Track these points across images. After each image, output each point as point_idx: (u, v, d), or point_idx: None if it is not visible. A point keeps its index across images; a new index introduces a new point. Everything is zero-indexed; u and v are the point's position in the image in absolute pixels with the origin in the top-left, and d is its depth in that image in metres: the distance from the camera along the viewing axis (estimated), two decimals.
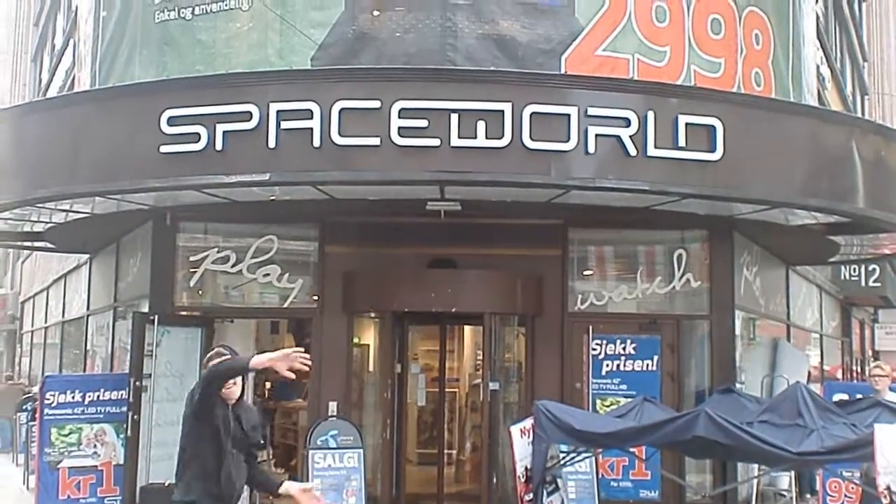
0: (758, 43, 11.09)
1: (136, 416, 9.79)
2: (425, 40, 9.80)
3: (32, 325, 24.48)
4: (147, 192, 9.07)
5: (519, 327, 10.83)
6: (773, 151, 8.91)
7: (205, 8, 10.31)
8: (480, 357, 11.28)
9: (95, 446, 10.30)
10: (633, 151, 8.32)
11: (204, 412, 5.01)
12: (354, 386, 10.86)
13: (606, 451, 9.35)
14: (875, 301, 21.57)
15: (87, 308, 15.51)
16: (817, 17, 14.48)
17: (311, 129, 8.14)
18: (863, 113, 23.20)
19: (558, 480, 7.58)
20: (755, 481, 10.64)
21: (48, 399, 10.29)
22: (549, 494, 7.28)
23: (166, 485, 9.53)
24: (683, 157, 8.49)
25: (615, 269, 11.12)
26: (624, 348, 10.60)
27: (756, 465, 9.04)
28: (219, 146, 8.25)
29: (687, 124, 8.43)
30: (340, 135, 8.13)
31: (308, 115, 8.15)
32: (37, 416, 10.75)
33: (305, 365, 4.84)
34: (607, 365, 10.59)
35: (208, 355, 5.33)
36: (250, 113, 8.20)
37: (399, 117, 8.09)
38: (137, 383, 9.83)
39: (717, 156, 8.48)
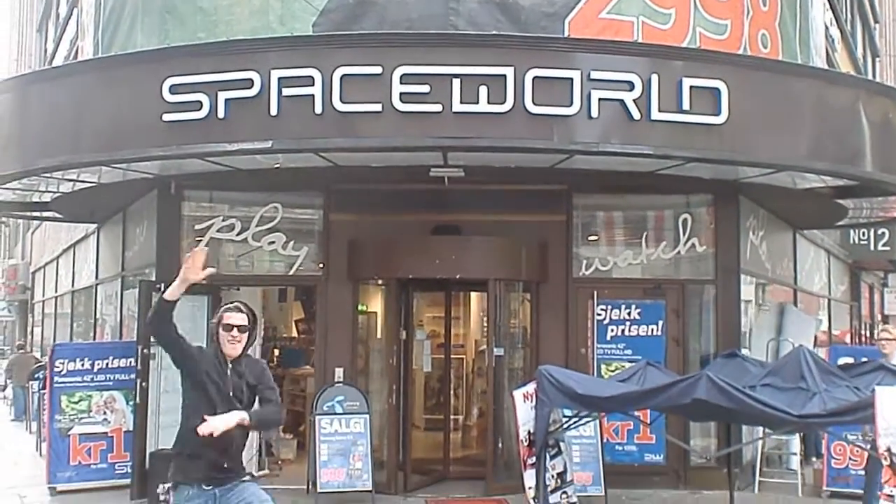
0: (765, 4, 10.96)
1: (144, 384, 9.86)
2: (427, 5, 9.72)
3: (43, 295, 24.63)
4: (150, 160, 9.08)
5: (524, 293, 10.84)
6: (779, 114, 8.85)
7: None
8: (486, 323, 11.31)
9: (105, 413, 10.41)
10: (636, 115, 8.26)
11: (181, 365, 5.01)
12: (361, 353, 10.91)
13: (610, 415, 9.41)
14: (884, 265, 21.47)
15: (96, 277, 15.60)
16: None
17: (313, 95, 8.10)
18: (874, 75, 22.93)
19: (561, 444, 7.62)
20: (760, 446, 10.69)
21: (58, 367, 10.39)
22: (551, 458, 7.34)
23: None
24: (688, 121, 8.43)
25: (620, 235, 11.10)
26: (629, 313, 10.62)
27: (760, 429, 9.10)
28: (221, 114, 8.22)
29: (691, 87, 8.36)
30: (342, 101, 8.09)
31: (309, 81, 8.12)
32: (47, 384, 10.84)
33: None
34: (612, 330, 10.61)
35: (224, 306, 5.28)
36: (251, 80, 8.17)
37: (401, 83, 8.05)
38: (145, 351, 9.89)
39: (721, 119, 8.41)
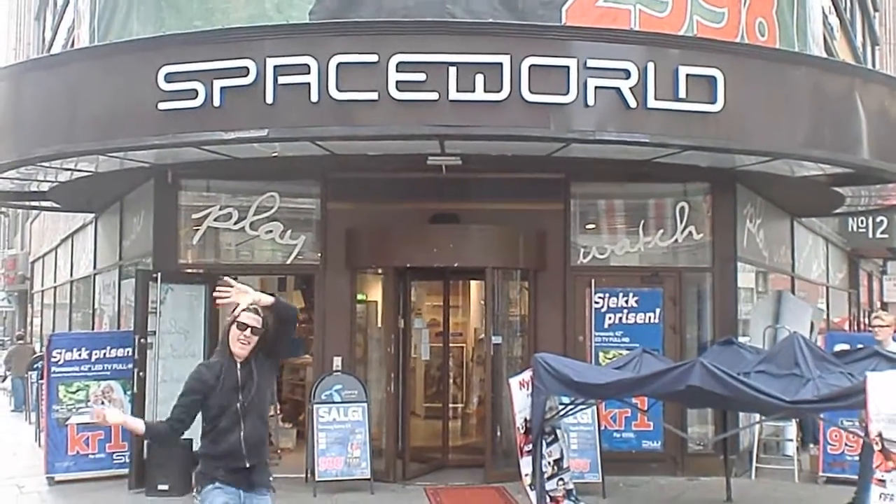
0: None
1: (141, 373, 9.87)
2: None
3: (42, 285, 24.64)
4: (146, 149, 9.08)
5: (522, 281, 10.85)
6: (775, 102, 8.84)
7: None
8: (484, 312, 11.33)
9: (103, 403, 10.39)
10: (633, 103, 8.27)
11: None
12: (360, 341, 10.93)
13: (608, 402, 9.44)
14: (883, 253, 21.50)
15: (94, 267, 15.61)
16: None
17: (309, 83, 8.09)
18: (874, 64, 22.89)
19: (557, 431, 7.64)
20: (756, 432, 10.73)
21: (55, 357, 10.40)
22: (548, 445, 7.35)
23: None
24: (684, 109, 8.44)
25: (617, 223, 11.11)
26: (626, 301, 10.64)
27: (757, 416, 9.13)
28: (216, 102, 8.21)
29: (687, 75, 8.36)
30: (338, 89, 8.09)
31: (305, 69, 8.11)
32: (44, 374, 10.85)
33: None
34: (610, 318, 10.63)
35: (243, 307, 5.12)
36: (247, 68, 8.16)
37: (397, 71, 8.04)
38: (142, 340, 9.90)
39: (717, 107, 8.42)
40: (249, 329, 4.97)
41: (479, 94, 8.08)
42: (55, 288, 21.24)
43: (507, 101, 8.10)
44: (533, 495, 7.20)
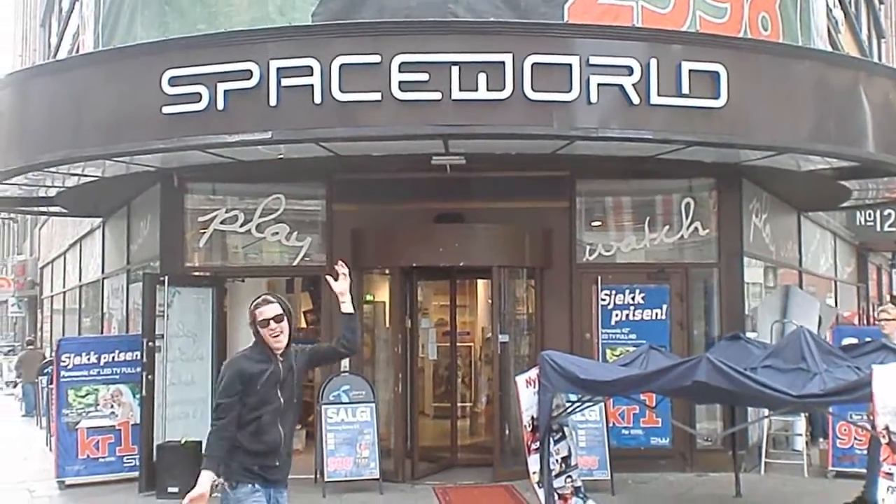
0: None
1: (150, 376, 9.90)
2: None
3: (52, 291, 24.75)
4: (151, 153, 9.11)
5: (528, 280, 10.85)
6: (779, 96, 8.83)
7: None
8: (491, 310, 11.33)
9: (112, 406, 10.46)
10: (636, 100, 8.27)
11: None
12: (367, 342, 10.94)
13: (616, 399, 9.44)
14: (891, 246, 21.44)
15: (102, 271, 15.66)
16: None
17: (312, 85, 8.12)
18: (879, 57, 22.81)
19: (565, 429, 7.64)
20: (765, 428, 10.71)
21: (64, 361, 10.44)
22: (555, 442, 7.35)
23: (182, 442, 9.71)
24: (687, 105, 8.44)
25: (623, 220, 11.11)
26: (633, 298, 10.62)
27: (765, 411, 9.11)
28: (220, 105, 8.25)
29: (690, 71, 8.35)
30: (341, 90, 8.11)
31: (308, 71, 8.14)
32: (54, 379, 10.90)
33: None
34: (616, 315, 10.63)
35: (254, 302, 5.06)
36: (250, 71, 8.19)
37: (399, 71, 8.06)
38: (150, 344, 9.93)
39: (721, 102, 8.40)
40: (272, 320, 4.91)
41: (482, 94, 8.09)
42: (64, 293, 21.33)
43: (510, 99, 8.10)
44: (541, 493, 7.20)
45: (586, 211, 10.93)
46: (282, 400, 4.92)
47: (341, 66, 8.10)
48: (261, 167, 9.96)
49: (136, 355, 10.22)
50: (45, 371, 15.51)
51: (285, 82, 8.16)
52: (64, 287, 21.34)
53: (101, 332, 15.25)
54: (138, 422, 10.16)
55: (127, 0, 10.79)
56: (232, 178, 10.69)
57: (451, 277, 11.47)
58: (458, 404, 12.02)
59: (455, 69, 8.06)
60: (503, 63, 8.08)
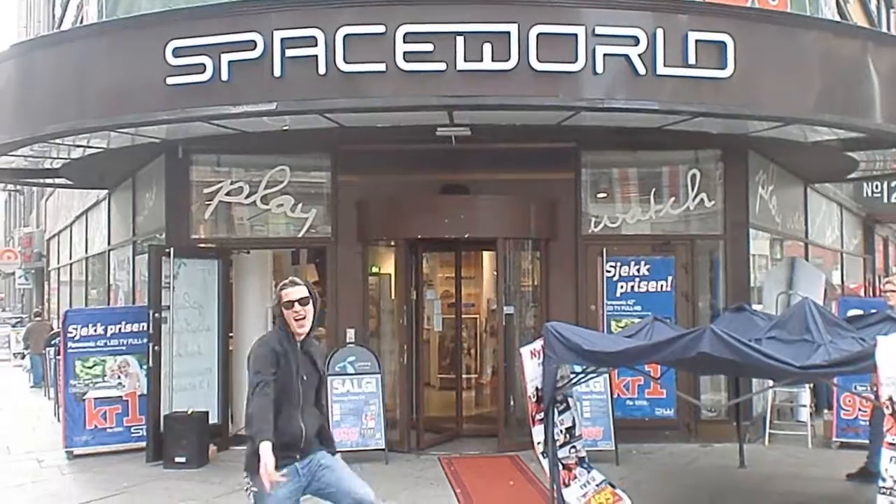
0: None
1: (157, 347, 9.96)
2: None
3: (59, 263, 24.81)
4: (155, 124, 9.09)
5: (533, 251, 10.85)
6: (786, 67, 8.74)
7: None
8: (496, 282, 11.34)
9: (119, 377, 10.51)
10: (642, 70, 8.20)
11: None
12: (373, 313, 10.97)
13: (620, 370, 9.46)
14: None
15: (108, 243, 15.70)
16: None
17: (316, 56, 8.07)
18: (888, 27, 22.63)
19: (570, 399, 7.66)
20: (770, 399, 10.74)
21: (71, 332, 10.48)
22: (560, 413, 7.37)
23: (189, 413, 9.78)
24: (694, 75, 8.36)
25: (628, 191, 11.09)
26: (638, 269, 10.63)
27: (769, 382, 9.13)
28: (224, 76, 8.21)
29: (697, 41, 8.28)
30: (346, 61, 8.06)
31: (312, 42, 8.08)
32: (61, 350, 10.96)
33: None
34: (622, 286, 10.64)
35: (281, 284, 5.07)
36: (254, 42, 8.14)
37: (404, 42, 8.00)
38: (157, 315, 9.98)
39: (728, 73, 8.34)
40: (297, 303, 4.90)
41: (487, 64, 8.02)
42: (71, 265, 21.40)
43: (516, 70, 8.04)
44: (545, 463, 7.22)
45: (592, 182, 10.92)
46: (301, 390, 4.88)
47: (346, 36, 8.04)
48: (265, 138, 9.95)
49: (143, 326, 10.27)
50: (53, 342, 15.61)
51: (289, 53, 8.11)
52: (70, 259, 21.40)
53: (108, 304, 15.31)
54: (145, 392, 10.22)
55: None
56: (237, 150, 10.68)
57: (457, 249, 11.48)
58: (464, 375, 12.08)
59: (460, 39, 8.00)
60: (508, 33, 8.02)
